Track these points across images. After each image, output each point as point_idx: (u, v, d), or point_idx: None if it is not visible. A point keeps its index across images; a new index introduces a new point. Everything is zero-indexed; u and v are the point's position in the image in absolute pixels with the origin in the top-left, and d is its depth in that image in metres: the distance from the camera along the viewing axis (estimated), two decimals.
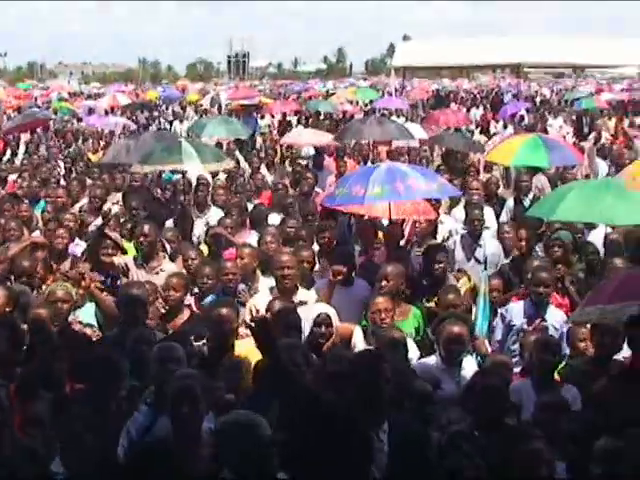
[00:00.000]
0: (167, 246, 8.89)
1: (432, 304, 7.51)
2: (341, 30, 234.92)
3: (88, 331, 7.10)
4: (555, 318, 7.45)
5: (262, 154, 17.80)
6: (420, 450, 4.94)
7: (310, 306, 7.13)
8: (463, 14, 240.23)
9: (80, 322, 7.26)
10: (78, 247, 9.43)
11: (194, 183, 12.06)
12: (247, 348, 6.44)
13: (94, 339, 7.02)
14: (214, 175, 13.03)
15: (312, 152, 16.96)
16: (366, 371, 5.12)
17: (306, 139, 17.72)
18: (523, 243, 9.15)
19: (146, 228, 8.53)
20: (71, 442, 4.86)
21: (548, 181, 13.32)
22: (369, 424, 4.67)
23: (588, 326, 6.61)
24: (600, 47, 35.31)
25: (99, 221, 8.88)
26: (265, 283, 8.12)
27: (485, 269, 8.74)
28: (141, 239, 8.49)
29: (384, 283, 7.40)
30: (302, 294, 7.53)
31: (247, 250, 8.26)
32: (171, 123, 29.05)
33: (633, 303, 5.54)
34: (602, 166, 17.25)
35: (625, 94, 39.91)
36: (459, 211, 11.09)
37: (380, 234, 9.29)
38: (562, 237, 8.77)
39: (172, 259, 8.69)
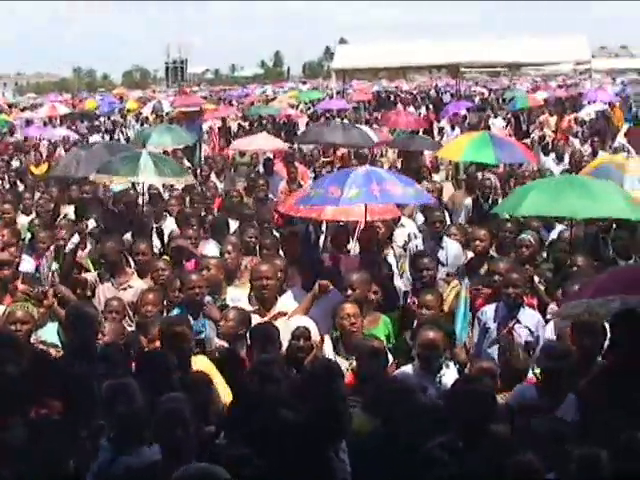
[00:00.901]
0: (130, 261, 8.65)
1: None
2: (278, 34, 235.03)
3: (52, 351, 6.83)
4: (530, 320, 7.36)
5: (212, 162, 17.56)
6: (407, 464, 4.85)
7: (288, 319, 7.00)
8: (399, 16, 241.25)
9: (43, 342, 6.99)
10: (24, 262, 9.12)
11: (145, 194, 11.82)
12: (204, 362, 6.32)
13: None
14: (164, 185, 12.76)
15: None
16: (320, 386, 5.01)
17: (258, 144, 17.56)
18: (482, 243, 9.05)
19: (111, 244, 8.34)
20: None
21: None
22: (327, 444, 4.61)
23: None
24: (535, 45, 35.85)
25: (76, 238, 8.59)
26: (232, 294, 7.95)
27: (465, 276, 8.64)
28: (106, 255, 8.27)
29: (350, 292, 7.30)
30: (282, 305, 7.37)
31: (213, 261, 8.06)
32: (112, 132, 28.51)
33: (616, 297, 5.50)
34: (550, 163, 17.46)
35: (562, 91, 40.50)
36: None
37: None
38: (529, 237, 8.73)
39: (142, 274, 8.46)
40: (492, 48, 36.22)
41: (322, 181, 8.62)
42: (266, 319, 7.18)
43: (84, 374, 5.73)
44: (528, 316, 7.40)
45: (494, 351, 7.09)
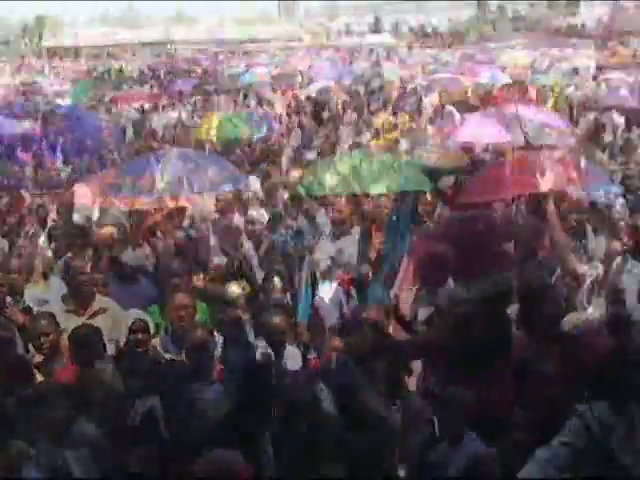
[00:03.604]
0: None
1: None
2: None
3: None
4: (329, 292, 7.57)
5: None
6: None
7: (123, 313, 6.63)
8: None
9: None
10: None
11: None
12: None
13: None
14: None
15: None
16: None
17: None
18: None
19: None
20: None
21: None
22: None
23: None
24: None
25: None
26: (31, 293, 7.42)
27: None
28: None
29: (175, 280, 7.07)
30: (100, 301, 6.90)
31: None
32: None
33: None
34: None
35: (276, 69, 41.37)
36: None
37: None
38: None
39: None
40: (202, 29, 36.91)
41: (130, 168, 8.01)
42: (84, 318, 6.73)
43: None
44: (326, 289, 7.56)
45: None
